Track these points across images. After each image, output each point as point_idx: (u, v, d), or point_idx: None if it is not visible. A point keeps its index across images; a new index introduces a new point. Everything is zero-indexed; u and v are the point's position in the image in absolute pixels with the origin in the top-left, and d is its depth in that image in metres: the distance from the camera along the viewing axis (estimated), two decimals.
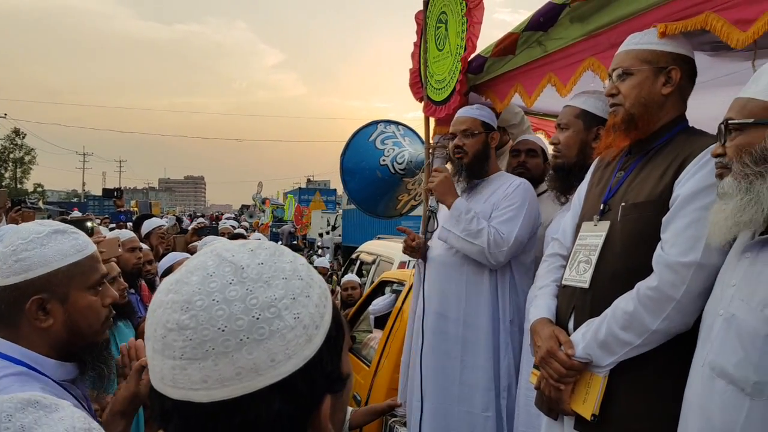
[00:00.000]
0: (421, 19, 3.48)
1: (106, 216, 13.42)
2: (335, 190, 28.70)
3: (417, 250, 2.93)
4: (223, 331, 0.63)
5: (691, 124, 1.85)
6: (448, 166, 3.04)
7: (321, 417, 0.68)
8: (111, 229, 6.11)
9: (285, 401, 0.64)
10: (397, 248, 6.41)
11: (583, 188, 2.08)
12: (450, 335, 2.73)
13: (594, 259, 1.79)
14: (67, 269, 1.33)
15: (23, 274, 1.29)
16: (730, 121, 1.39)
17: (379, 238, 8.63)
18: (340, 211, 21.25)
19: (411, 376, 2.91)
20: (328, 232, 17.96)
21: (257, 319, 0.63)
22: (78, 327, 1.35)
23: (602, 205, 1.85)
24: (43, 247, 1.31)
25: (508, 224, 2.63)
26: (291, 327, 0.65)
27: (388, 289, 4.60)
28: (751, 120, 1.35)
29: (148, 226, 4.87)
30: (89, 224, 3.63)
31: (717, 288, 1.48)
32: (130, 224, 7.00)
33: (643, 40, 1.80)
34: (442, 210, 2.88)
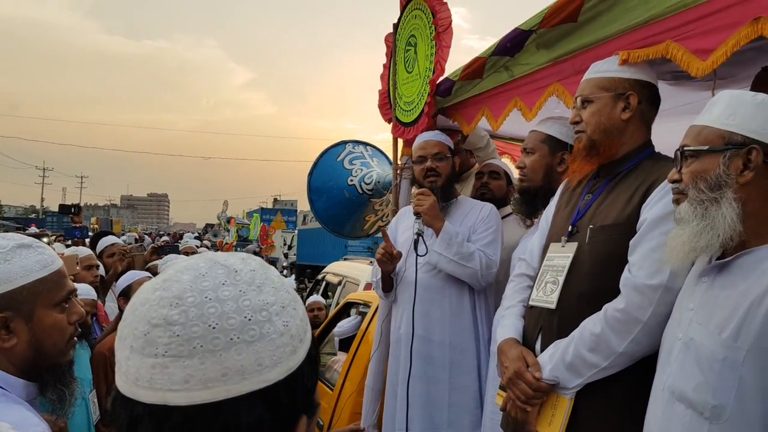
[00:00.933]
0: (391, 41, 3.51)
1: (61, 233, 13.02)
2: (296, 210, 28.78)
3: (392, 261, 2.82)
4: (213, 328, 0.60)
5: None
6: (414, 188, 3.04)
7: None
8: (68, 246, 5.89)
9: (266, 410, 0.62)
10: (363, 269, 6.39)
11: (550, 210, 2.10)
12: (436, 359, 2.69)
13: (561, 279, 1.80)
14: (32, 286, 1.26)
15: None
16: (685, 148, 1.42)
17: (345, 259, 8.57)
18: (296, 231, 21.44)
19: (391, 405, 2.81)
20: (286, 254, 18.12)
21: (249, 320, 0.62)
22: (43, 346, 1.29)
23: (570, 227, 1.87)
24: (6, 262, 1.24)
25: (491, 247, 2.71)
26: (280, 333, 0.64)
27: (353, 311, 4.54)
28: (706, 147, 1.38)
29: (103, 244, 4.70)
30: (45, 240, 3.52)
31: (675, 312, 1.49)
32: (87, 240, 6.77)
33: (603, 68, 1.85)
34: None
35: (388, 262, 2.81)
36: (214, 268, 0.65)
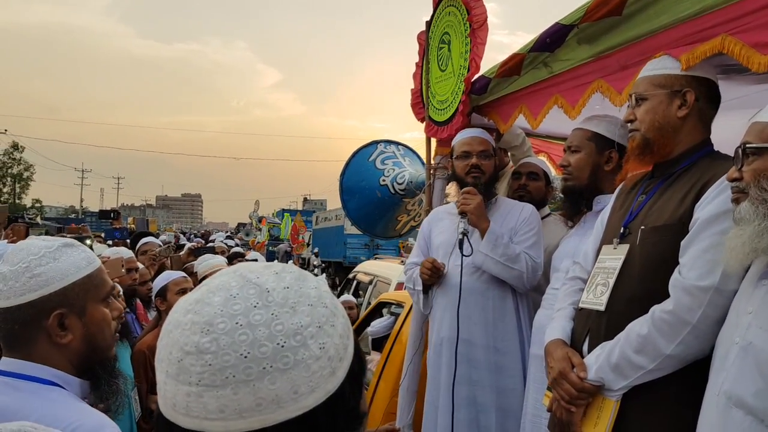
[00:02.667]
0: (424, 39, 3.47)
1: (100, 234, 13.38)
2: (313, 211, 29.83)
3: (438, 275, 2.76)
4: (245, 357, 0.58)
5: None
6: (452, 186, 2.99)
7: None
8: (109, 246, 6.04)
9: None
10: (395, 269, 6.37)
11: (606, 212, 2.05)
12: (481, 362, 2.64)
13: (611, 282, 1.75)
14: (82, 282, 1.30)
15: (40, 290, 1.24)
16: (747, 145, 1.37)
17: (376, 258, 8.56)
18: (311, 231, 22.79)
19: (431, 409, 2.75)
20: (316, 253, 19.28)
21: (282, 346, 0.59)
22: (95, 340, 1.33)
23: (622, 229, 1.83)
24: (56, 261, 1.27)
25: (536, 249, 2.66)
26: (316, 357, 0.61)
27: (385, 311, 4.53)
28: None
29: (139, 244, 4.81)
30: (88, 242, 3.61)
31: (732, 315, 1.44)
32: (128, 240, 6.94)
33: (658, 66, 1.78)
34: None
35: (435, 276, 2.75)
36: (245, 288, 0.63)
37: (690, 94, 1.73)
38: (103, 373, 1.34)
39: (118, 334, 1.46)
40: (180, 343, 0.60)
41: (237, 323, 0.59)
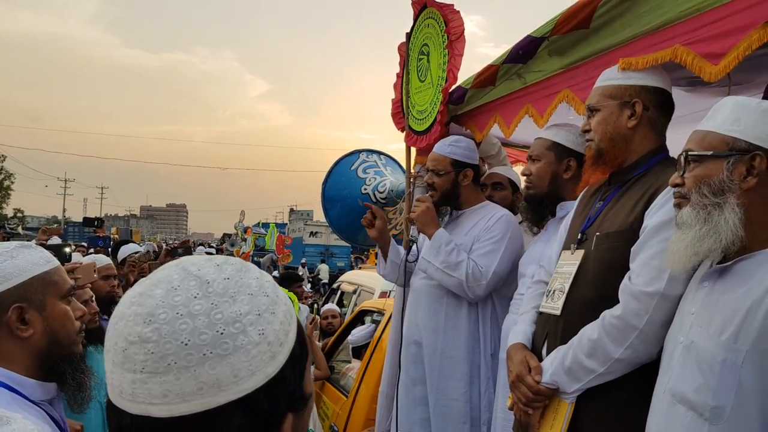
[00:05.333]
0: (404, 50, 3.53)
1: (83, 243, 13.26)
2: (286, 224, 32.07)
3: (383, 232, 2.95)
4: (186, 345, 0.61)
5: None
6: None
7: None
8: (85, 255, 5.99)
9: (246, 418, 0.63)
10: (379, 278, 6.39)
11: (569, 218, 2.11)
12: (428, 364, 2.70)
13: (567, 286, 1.81)
14: (41, 278, 1.35)
15: None
16: (689, 153, 1.43)
17: (360, 268, 8.58)
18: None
19: (390, 407, 2.86)
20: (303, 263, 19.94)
21: (221, 333, 0.63)
22: (57, 335, 1.35)
23: (580, 234, 1.88)
24: (13, 258, 1.32)
25: (487, 258, 2.62)
26: (255, 343, 0.64)
27: (368, 319, 4.55)
28: (710, 152, 1.39)
29: (124, 252, 4.80)
30: (67, 250, 3.58)
31: (677, 317, 1.50)
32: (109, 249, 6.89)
33: (611, 76, 1.85)
34: (424, 240, 2.87)
35: (372, 223, 2.96)
36: (186, 280, 0.65)
37: (638, 104, 1.79)
38: (68, 369, 1.36)
39: (84, 337, 1.48)
40: (124, 333, 0.63)
41: (177, 313, 0.62)
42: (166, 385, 0.61)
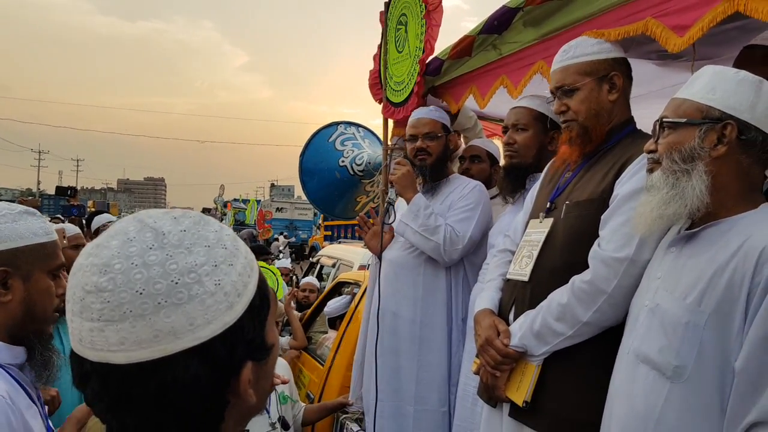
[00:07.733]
0: (383, 20, 3.50)
1: (57, 215, 13.09)
2: (260, 200, 32.61)
3: (376, 236, 2.92)
4: (140, 294, 0.63)
5: None
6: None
7: (241, 383, 0.69)
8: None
9: (203, 365, 0.65)
10: (358, 252, 6.42)
11: (535, 189, 2.13)
12: (406, 335, 2.74)
13: (535, 253, 1.84)
14: (35, 248, 1.35)
15: None
16: (664, 119, 1.46)
17: (339, 242, 8.61)
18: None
19: (367, 374, 2.90)
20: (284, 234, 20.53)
21: (176, 283, 0.64)
22: (34, 308, 1.35)
23: (549, 203, 1.91)
24: (14, 222, 1.33)
25: (464, 223, 2.68)
26: (211, 293, 0.66)
27: (345, 290, 4.58)
28: (684, 120, 1.41)
29: (98, 222, 4.73)
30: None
31: (644, 281, 1.55)
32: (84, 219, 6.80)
33: (579, 52, 1.85)
34: (401, 204, 2.90)
35: (366, 230, 2.94)
36: (142, 231, 0.67)
37: (618, 77, 1.81)
38: (37, 343, 1.37)
39: (57, 314, 1.47)
40: (81, 283, 0.65)
41: (132, 263, 0.64)
42: (122, 333, 0.63)
